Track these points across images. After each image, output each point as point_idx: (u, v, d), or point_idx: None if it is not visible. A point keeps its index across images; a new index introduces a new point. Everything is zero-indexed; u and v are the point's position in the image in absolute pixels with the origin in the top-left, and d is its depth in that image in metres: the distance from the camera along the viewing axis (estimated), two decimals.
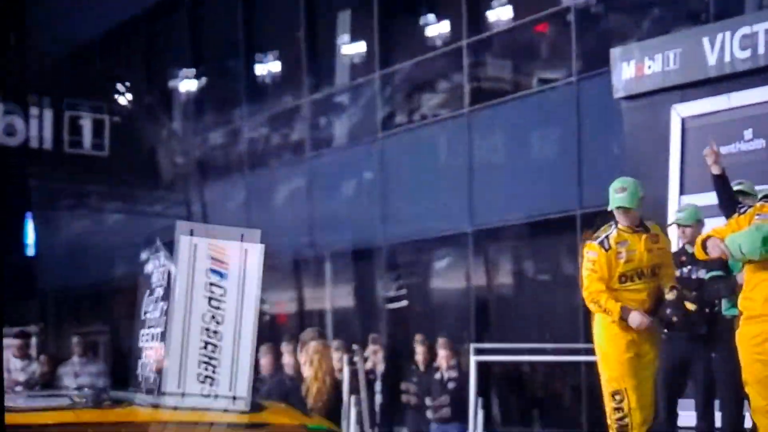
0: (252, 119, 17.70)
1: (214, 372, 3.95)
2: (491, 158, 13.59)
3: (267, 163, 17.41)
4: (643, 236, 7.29)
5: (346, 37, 16.34)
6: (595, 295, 7.21)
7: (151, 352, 4.17)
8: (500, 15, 13.85)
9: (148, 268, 4.30)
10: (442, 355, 11.99)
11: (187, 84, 19.02)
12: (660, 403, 8.09)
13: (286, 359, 10.52)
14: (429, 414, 12.01)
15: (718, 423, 7.88)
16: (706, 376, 7.88)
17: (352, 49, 16.24)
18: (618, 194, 7.29)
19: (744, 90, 9.49)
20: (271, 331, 17.14)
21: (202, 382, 3.93)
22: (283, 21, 17.25)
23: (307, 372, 7.55)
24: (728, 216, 6.87)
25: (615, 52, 10.66)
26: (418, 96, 14.92)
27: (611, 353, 7.16)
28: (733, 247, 6.43)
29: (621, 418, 7.08)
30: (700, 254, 6.75)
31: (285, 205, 16.86)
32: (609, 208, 7.34)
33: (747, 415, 7.02)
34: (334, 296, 16.40)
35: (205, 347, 3.97)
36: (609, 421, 7.20)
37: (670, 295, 7.30)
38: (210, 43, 18.75)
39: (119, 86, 17.29)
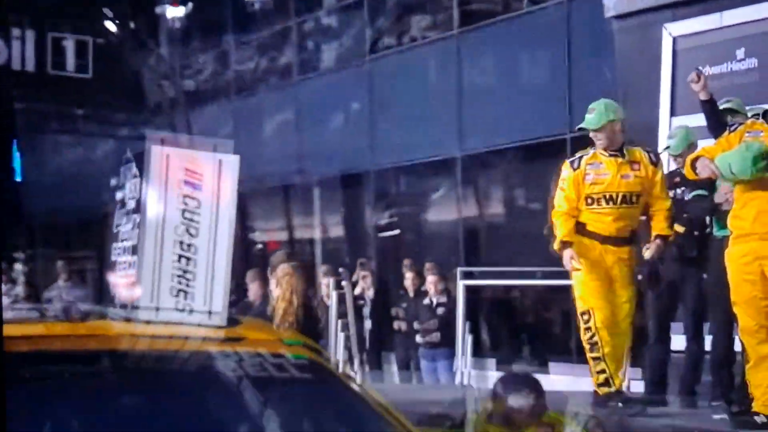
0: (239, 44, 17.50)
1: (188, 286, 3.83)
2: (480, 81, 13.44)
3: (254, 88, 17.24)
4: (619, 161, 7.13)
5: None
6: (556, 215, 7.16)
7: (123, 265, 4.05)
8: None
9: (120, 180, 4.17)
10: (431, 280, 11.98)
11: (174, 9, 18.76)
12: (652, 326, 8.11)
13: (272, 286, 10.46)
14: (418, 339, 12.02)
15: (708, 346, 7.82)
16: (695, 298, 7.82)
17: None
18: (587, 116, 7.19)
19: (736, 8, 9.32)
20: (262, 259, 17.16)
21: (176, 296, 3.81)
22: None
23: (275, 293, 7.50)
24: (718, 138, 6.76)
25: None
26: (407, 18, 14.71)
27: (581, 274, 7.08)
28: (723, 166, 6.34)
29: (591, 337, 7.04)
30: (689, 174, 6.67)
31: (273, 131, 16.73)
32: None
33: (737, 338, 6.96)
34: (323, 224, 16.35)
35: (179, 260, 3.85)
36: (583, 343, 7.17)
37: (647, 254, 7.18)
38: None
39: (104, 8, 17.01)
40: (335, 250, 16.18)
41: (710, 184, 7.53)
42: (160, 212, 3.85)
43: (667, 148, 8.21)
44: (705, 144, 7.23)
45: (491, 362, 12.44)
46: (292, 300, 7.46)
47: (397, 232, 14.96)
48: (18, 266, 13.10)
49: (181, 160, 3.90)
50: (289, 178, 16.58)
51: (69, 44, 16.50)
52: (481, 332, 12.87)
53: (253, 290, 8.92)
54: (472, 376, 10.94)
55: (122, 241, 4.12)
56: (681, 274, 7.83)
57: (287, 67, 16.66)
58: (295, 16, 16.39)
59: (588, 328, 7.04)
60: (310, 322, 7.96)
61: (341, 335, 11.66)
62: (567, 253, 7.00)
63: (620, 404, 7.02)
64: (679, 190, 7.86)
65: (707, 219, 7.63)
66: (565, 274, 7.26)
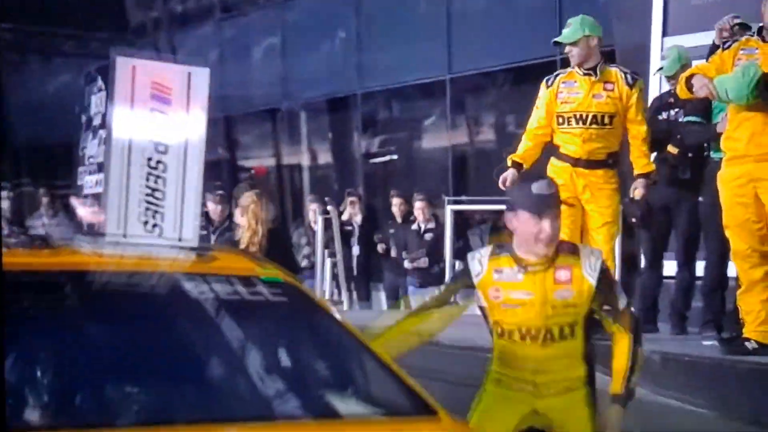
0: None
1: (157, 206, 3.65)
2: (470, 1, 13.17)
3: (240, 9, 16.95)
4: (592, 80, 6.92)
5: None
6: (526, 133, 7.03)
7: (90, 185, 3.87)
8: None
9: (86, 99, 3.97)
10: (418, 206, 11.87)
11: None
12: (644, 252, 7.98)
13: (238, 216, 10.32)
14: (406, 264, 11.93)
15: (701, 271, 7.69)
16: (689, 222, 7.68)
17: None
18: (564, 30, 7.03)
19: None
20: (251, 185, 16.97)
21: (145, 215, 3.63)
22: None
23: (241, 222, 7.43)
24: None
25: None
26: None
27: None
28: (720, 90, 6.15)
29: None
30: (683, 92, 6.48)
31: (260, 54, 16.47)
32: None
33: (731, 263, 6.83)
34: (310, 148, 16.18)
35: (148, 179, 3.66)
36: None
37: (636, 194, 7.00)
38: None
39: None
40: (323, 176, 16.03)
41: (705, 111, 7.36)
42: (126, 128, 3.66)
43: (660, 69, 8.06)
44: (698, 63, 7.03)
45: None
46: (257, 229, 7.38)
47: (392, 157, 14.78)
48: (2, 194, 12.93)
49: (149, 72, 3.70)
50: (276, 101, 16.36)
51: None
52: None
53: (216, 213, 8.78)
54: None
55: (89, 160, 3.94)
56: (674, 197, 7.67)
57: None
58: None
59: None
60: (278, 252, 7.92)
61: (328, 261, 11.56)
62: (508, 172, 6.87)
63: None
64: (672, 111, 7.70)
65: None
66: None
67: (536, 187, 4.32)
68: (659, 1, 9.41)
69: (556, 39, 7.08)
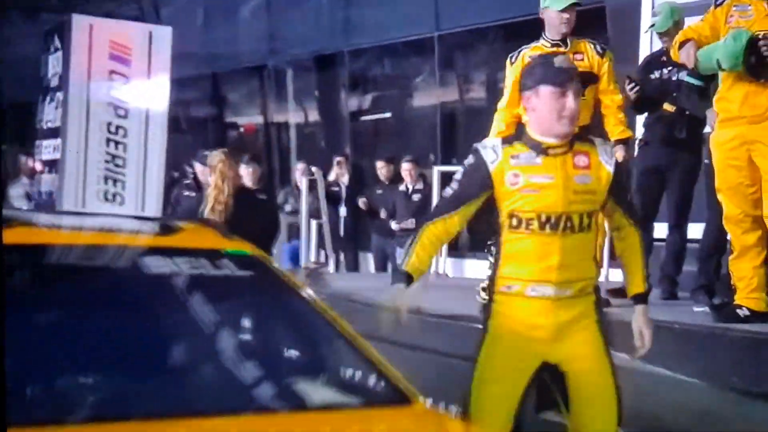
0: None
1: (117, 177, 3.44)
2: None
3: None
4: (561, 51, 6.61)
5: None
6: (497, 113, 6.82)
7: (48, 150, 3.65)
8: None
9: (42, 59, 3.75)
10: (406, 168, 11.74)
11: None
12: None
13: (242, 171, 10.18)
14: (393, 225, 11.77)
15: (690, 235, 7.53)
16: (682, 183, 7.49)
17: None
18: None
19: None
20: (240, 143, 16.81)
21: (105, 192, 3.42)
22: None
23: (210, 181, 7.36)
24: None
25: None
26: None
27: None
28: (708, 60, 5.95)
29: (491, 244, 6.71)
30: (675, 56, 6.27)
31: (246, 10, 16.21)
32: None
33: None
34: (297, 107, 15.97)
35: (107, 144, 3.45)
36: None
37: (617, 157, 6.75)
38: None
39: None
40: (311, 134, 15.85)
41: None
42: (84, 89, 3.45)
43: (652, 26, 7.83)
44: (691, 21, 6.81)
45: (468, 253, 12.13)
46: (222, 188, 7.29)
47: (381, 115, 14.58)
48: None
49: (107, 31, 3.48)
50: (263, 59, 16.13)
51: None
52: None
53: (205, 175, 8.67)
54: (448, 264, 10.68)
55: (46, 124, 3.72)
56: (668, 158, 7.47)
57: None
58: None
59: None
60: (259, 212, 7.85)
61: (313, 224, 11.38)
62: None
63: None
64: (665, 70, 7.49)
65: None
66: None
67: (558, 61, 4.15)
68: None
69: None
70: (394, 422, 2.98)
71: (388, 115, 14.57)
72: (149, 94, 3.52)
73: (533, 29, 7.21)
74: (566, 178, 4.10)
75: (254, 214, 9.00)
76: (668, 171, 7.52)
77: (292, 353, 3.26)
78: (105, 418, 2.73)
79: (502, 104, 6.84)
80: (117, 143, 3.47)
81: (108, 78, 3.47)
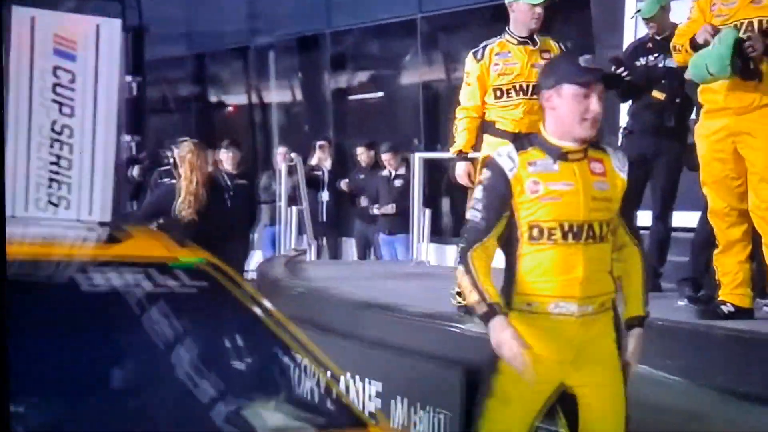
0: None
1: (63, 179, 3.23)
2: None
3: None
4: (529, 49, 6.46)
5: None
6: (460, 113, 6.49)
7: None
8: None
9: None
10: (386, 158, 11.63)
11: None
12: None
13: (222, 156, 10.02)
14: (375, 210, 11.62)
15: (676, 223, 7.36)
16: (669, 172, 7.31)
17: None
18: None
19: None
20: (225, 124, 16.65)
21: (49, 196, 3.21)
22: None
23: (180, 172, 7.21)
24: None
25: None
26: None
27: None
28: (698, 70, 5.76)
29: None
30: (678, 59, 6.09)
31: None
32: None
33: None
34: (280, 89, 15.78)
35: (51, 146, 3.24)
36: None
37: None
38: None
39: None
40: (294, 116, 15.68)
41: None
42: (25, 87, 3.24)
43: (638, 12, 7.63)
44: (678, 5, 6.62)
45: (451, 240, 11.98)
46: (192, 178, 7.16)
47: (366, 96, 14.39)
48: None
49: (50, 24, 3.26)
50: (246, 39, 15.95)
51: None
52: (440, 212, 12.40)
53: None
54: (430, 251, 10.51)
55: None
56: (654, 146, 7.29)
57: None
58: None
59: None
60: (220, 202, 7.72)
61: (293, 210, 11.22)
62: (461, 166, 6.40)
63: (460, 317, 6.41)
64: (652, 57, 7.30)
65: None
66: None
67: (584, 60, 3.98)
68: None
69: None
70: None
71: (371, 97, 14.40)
72: (97, 90, 3.31)
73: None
74: (586, 184, 3.88)
75: (234, 202, 8.87)
76: (654, 160, 7.35)
77: (244, 374, 3.04)
78: None
79: (466, 103, 6.50)
80: (62, 144, 3.26)
81: (52, 75, 3.26)
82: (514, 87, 6.45)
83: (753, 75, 5.67)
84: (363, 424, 2.88)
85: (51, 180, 3.25)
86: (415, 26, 12.95)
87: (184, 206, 7.23)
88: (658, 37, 7.22)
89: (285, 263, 9.60)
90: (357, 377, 6.15)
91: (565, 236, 3.83)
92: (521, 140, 4.06)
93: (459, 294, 6.56)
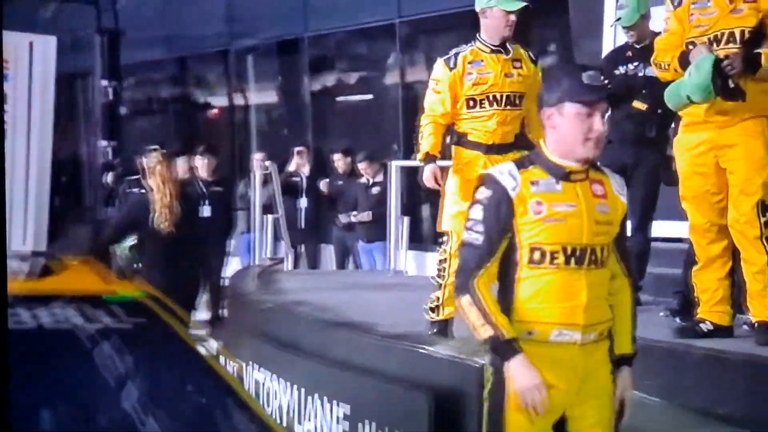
0: None
1: None
2: None
3: None
4: (501, 58, 6.30)
5: None
6: (426, 119, 6.25)
7: None
8: None
9: None
10: (362, 167, 11.53)
11: None
12: None
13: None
14: (351, 218, 11.48)
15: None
16: (648, 183, 7.15)
17: None
18: None
19: None
20: (207, 127, 16.50)
21: None
22: None
23: (150, 183, 7.04)
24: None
25: None
26: None
27: (452, 194, 6.28)
28: (677, 100, 5.62)
29: (441, 261, 6.31)
30: (663, 76, 5.91)
31: None
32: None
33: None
34: (258, 92, 15.62)
35: None
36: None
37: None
38: None
39: None
40: (273, 120, 15.53)
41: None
42: None
43: (618, 20, 7.47)
44: (658, 12, 6.45)
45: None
46: (165, 192, 7.00)
47: (350, 101, 14.25)
48: None
49: None
50: (225, 44, 15.80)
51: None
52: (420, 218, 12.25)
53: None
54: (410, 259, 10.36)
55: None
56: (634, 157, 7.13)
57: None
58: None
59: (443, 250, 6.33)
60: (193, 216, 7.54)
61: (268, 218, 11.05)
62: (429, 169, 6.16)
63: (432, 333, 6.28)
64: (631, 66, 7.16)
65: None
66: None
67: (588, 77, 3.74)
68: None
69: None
70: None
71: (350, 101, 14.26)
72: (31, 111, 3.11)
73: None
74: (589, 206, 3.72)
75: (210, 210, 8.64)
76: (633, 170, 7.21)
77: (180, 416, 2.85)
78: None
79: (435, 111, 6.27)
80: None
81: None
82: (488, 97, 6.29)
83: (735, 95, 5.51)
84: None
85: None
86: (394, 30, 12.80)
87: (161, 220, 7.09)
88: (638, 46, 7.09)
89: (258, 274, 9.41)
90: (324, 398, 5.97)
91: (567, 261, 3.67)
92: (522, 159, 3.86)
93: (432, 309, 6.40)
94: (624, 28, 7.32)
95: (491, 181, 3.69)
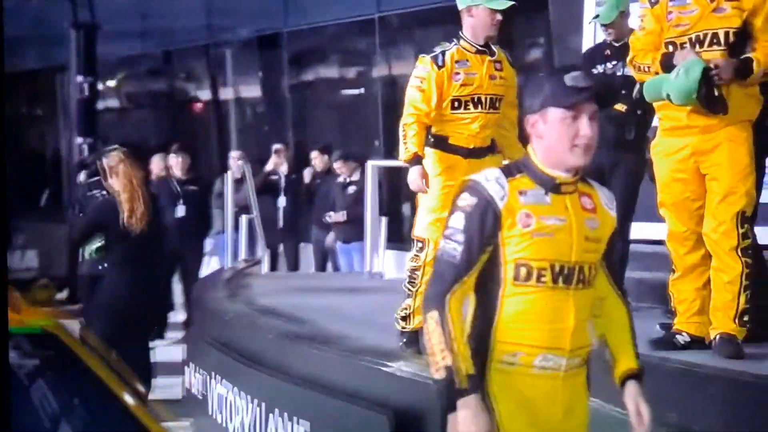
0: None
1: None
2: None
3: None
4: (486, 59, 6.09)
5: None
6: (409, 117, 5.98)
7: None
8: None
9: None
10: (338, 166, 11.36)
11: None
12: None
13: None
14: (327, 218, 11.28)
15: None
16: (626, 185, 6.91)
17: None
18: None
19: None
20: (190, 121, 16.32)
21: None
22: None
23: (114, 184, 6.81)
24: None
25: None
26: None
27: (432, 198, 6.08)
28: (655, 94, 5.43)
29: (414, 269, 6.07)
30: (639, 78, 5.73)
31: None
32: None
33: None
34: (238, 88, 15.44)
35: None
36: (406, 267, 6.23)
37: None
38: None
39: None
40: (253, 115, 15.34)
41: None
42: None
43: (597, 17, 7.27)
44: (636, 10, 6.22)
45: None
46: (132, 190, 6.78)
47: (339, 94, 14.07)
48: None
49: None
50: (205, 38, 15.61)
51: None
52: (401, 212, 12.06)
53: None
54: (390, 258, 10.17)
55: None
56: (612, 159, 6.90)
57: None
58: None
59: (416, 257, 6.08)
60: (164, 214, 7.29)
61: (243, 219, 10.85)
62: (417, 171, 5.91)
63: (402, 343, 6.07)
64: (609, 64, 6.96)
65: None
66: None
67: (570, 79, 3.40)
68: None
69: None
70: None
71: (330, 98, 14.05)
72: None
73: None
74: (578, 221, 3.44)
75: (185, 209, 8.38)
76: (611, 172, 6.99)
77: None
78: None
79: (419, 109, 6.01)
80: None
81: None
82: (473, 99, 6.07)
83: (717, 106, 5.27)
84: None
85: None
86: (374, 26, 12.59)
87: (134, 219, 6.79)
88: (617, 44, 6.90)
89: (228, 279, 9.16)
90: (285, 415, 5.74)
91: (555, 279, 3.39)
92: (509, 166, 3.55)
93: (404, 318, 6.16)
94: (602, 25, 7.13)
95: (476, 188, 3.39)
